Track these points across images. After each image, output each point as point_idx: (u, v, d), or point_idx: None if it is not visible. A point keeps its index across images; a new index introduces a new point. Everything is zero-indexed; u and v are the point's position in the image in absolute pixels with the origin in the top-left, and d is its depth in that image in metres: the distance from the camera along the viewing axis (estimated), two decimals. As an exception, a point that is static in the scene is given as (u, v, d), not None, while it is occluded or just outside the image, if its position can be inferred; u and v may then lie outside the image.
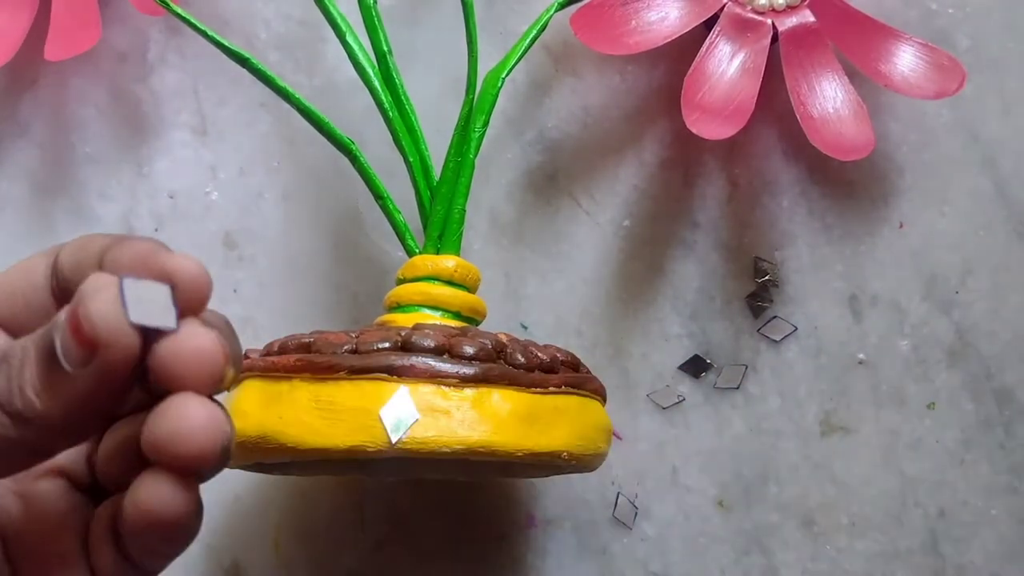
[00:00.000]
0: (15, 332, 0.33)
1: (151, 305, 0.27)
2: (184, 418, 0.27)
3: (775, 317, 0.51)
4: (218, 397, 0.29)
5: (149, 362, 0.28)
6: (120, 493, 0.30)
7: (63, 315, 0.28)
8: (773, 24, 0.49)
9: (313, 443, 0.39)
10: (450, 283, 0.45)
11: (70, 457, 0.33)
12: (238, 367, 0.30)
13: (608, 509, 0.51)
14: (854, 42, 0.49)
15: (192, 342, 0.28)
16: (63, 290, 0.32)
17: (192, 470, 0.28)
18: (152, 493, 0.28)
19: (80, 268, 0.31)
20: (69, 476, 0.33)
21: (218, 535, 0.51)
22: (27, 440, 0.28)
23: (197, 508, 0.29)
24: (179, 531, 0.28)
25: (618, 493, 0.51)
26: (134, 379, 0.28)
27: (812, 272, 0.51)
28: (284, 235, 0.52)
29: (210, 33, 0.46)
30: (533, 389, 0.41)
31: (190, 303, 0.28)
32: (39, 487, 0.33)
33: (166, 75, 0.53)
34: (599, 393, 0.44)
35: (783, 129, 0.51)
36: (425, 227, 0.47)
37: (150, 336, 0.28)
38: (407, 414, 0.39)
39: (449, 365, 0.40)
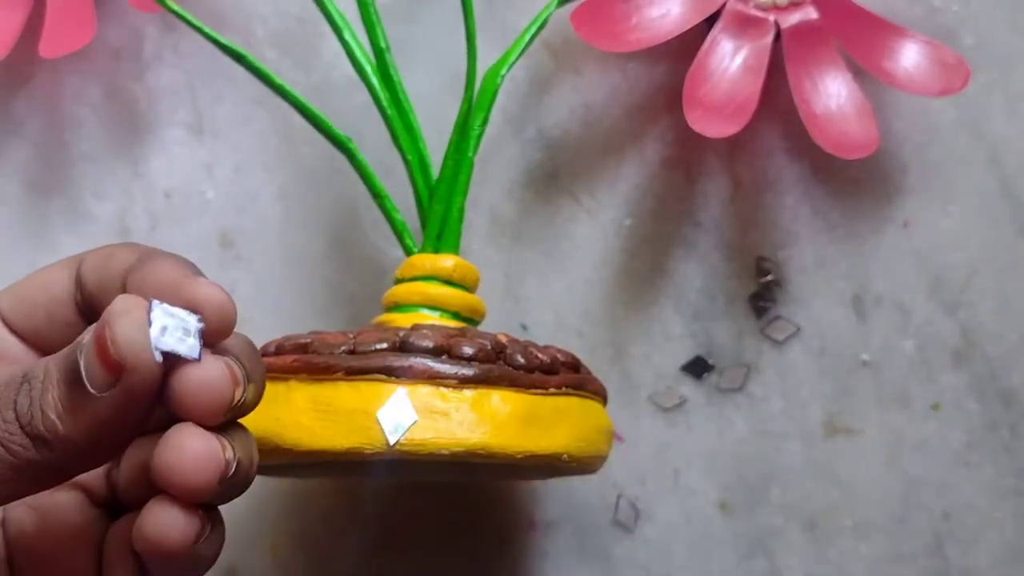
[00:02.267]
0: (39, 345, 0.33)
1: (177, 333, 0.28)
2: (179, 450, 0.28)
3: (778, 317, 0.51)
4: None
5: (166, 389, 0.28)
6: (137, 511, 0.30)
7: (89, 336, 0.28)
8: (776, 21, 0.49)
9: (310, 445, 0.39)
10: (449, 283, 0.45)
11: (89, 472, 0.33)
12: (258, 390, 0.30)
13: (609, 512, 0.51)
14: (858, 39, 0.49)
15: (198, 372, 0.28)
16: (88, 305, 0.32)
17: (190, 500, 0.28)
18: (154, 521, 0.28)
19: (103, 287, 0.31)
20: (86, 490, 0.33)
21: (214, 538, 0.50)
22: (48, 462, 0.28)
23: (205, 535, 0.29)
24: (187, 558, 0.29)
25: (619, 496, 0.51)
26: (155, 404, 0.28)
27: (815, 272, 0.51)
28: (281, 234, 0.52)
29: (206, 30, 0.46)
30: (533, 390, 0.41)
31: (215, 333, 0.29)
32: (55, 500, 0.32)
33: (162, 72, 0.53)
34: (600, 394, 0.44)
35: (786, 127, 0.51)
36: (423, 226, 0.46)
37: (172, 362, 0.28)
38: (405, 416, 0.39)
39: (448, 366, 0.40)
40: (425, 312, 0.44)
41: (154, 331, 0.27)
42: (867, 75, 0.49)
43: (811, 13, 0.49)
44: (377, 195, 0.47)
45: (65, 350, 0.28)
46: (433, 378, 0.39)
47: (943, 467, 0.51)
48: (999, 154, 0.51)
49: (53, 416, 0.28)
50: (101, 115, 0.53)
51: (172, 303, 0.28)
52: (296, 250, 0.52)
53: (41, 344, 0.33)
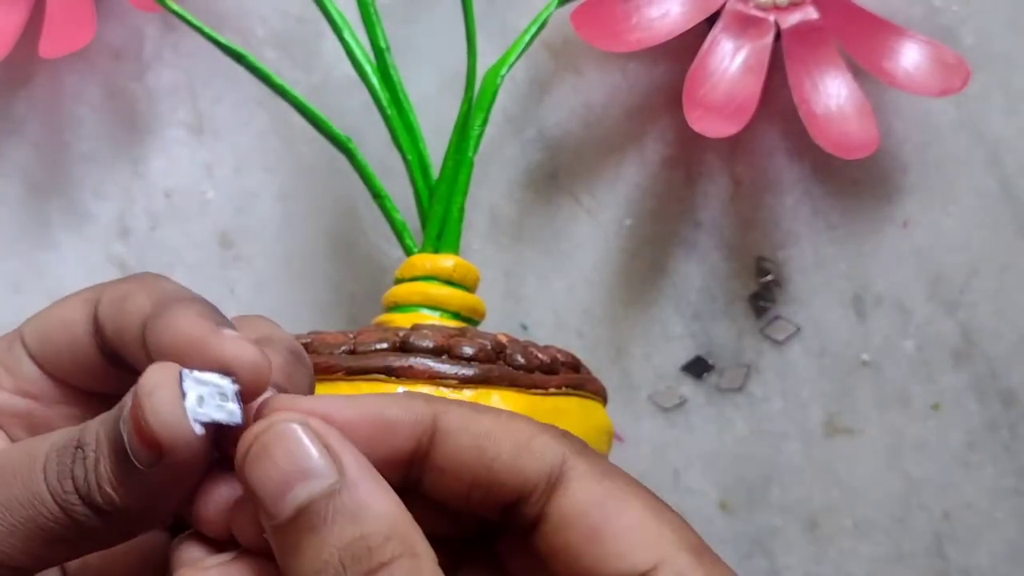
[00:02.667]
0: (72, 385, 0.33)
1: (214, 400, 0.27)
2: (206, 499, 0.28)
3: (778, 317, 0.51)
4: None
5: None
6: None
7: (127, 411, 0.27)
8: (776, 21, 0.49)
9: (310, 445, 0.39)
10: (449, 283, 0.45)
11: None
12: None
13: (609, 512, 0.51)
14: (858, 39, 0.49)
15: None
16: (110, 349, 0.31)
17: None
18: (182, 558, 0.29)
19: (121, 336, 0.30)
20: None
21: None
22: (111, 529, 0.28)
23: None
24: None
25: (619, 495, 0.51)
26: (210, 463, 0.28)
27: (815, 272, 0.51)
28: (281, 234, 0.52)
29: (206, 30, 0.46)
30: (533, 390, 0.41)
31: (251, 393, 0.28)
32: None
33: (162, 72, 0.53)
34: (600, 394, 0.44)
35: (786, 127, 0.51)
36: (423, 226, 0.46)
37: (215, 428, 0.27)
38: (405, 416, 0.39)
39: (448, 366, 0.40)
40: (425, 312, 0.44)
41: (189, 402, 0.26)
42: (867, 75, 0.49)
43: (811, 13, 0.49)
44: (377, 195, 0.47)
45: (112, 414, 0.28)
46: (433, 378, 0.39)
47: (943, 467, 0.51)
48: (999, 154, 0.51)
49: (109, 489, 0.27)
50: (101, 115, 0.53)
51: (201, 366, 0.27)
52: (296, 250, 0.52)
53: (74, 383, 0.33)
